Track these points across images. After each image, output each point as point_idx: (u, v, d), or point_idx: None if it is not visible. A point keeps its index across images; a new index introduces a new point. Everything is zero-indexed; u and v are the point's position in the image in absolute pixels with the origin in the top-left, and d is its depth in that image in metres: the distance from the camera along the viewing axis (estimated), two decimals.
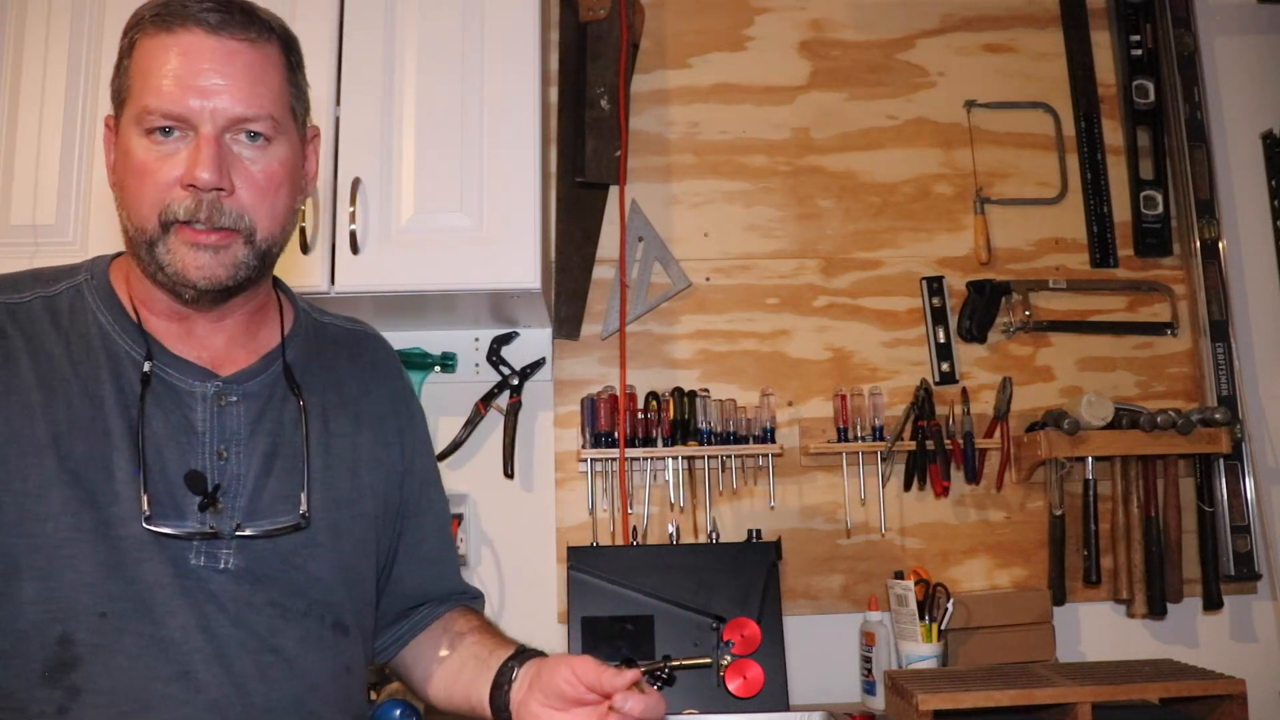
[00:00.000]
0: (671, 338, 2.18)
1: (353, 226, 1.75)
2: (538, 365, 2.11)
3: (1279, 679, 2.08)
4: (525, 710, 1.04)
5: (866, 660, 1.96)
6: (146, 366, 1.01)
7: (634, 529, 2.06)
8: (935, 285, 2.20)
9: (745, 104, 2.25)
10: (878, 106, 2.27)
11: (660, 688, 1.85)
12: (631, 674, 0.98)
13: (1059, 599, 2.07)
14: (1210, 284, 2.21)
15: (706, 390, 2.12)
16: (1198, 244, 2.22)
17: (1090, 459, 2.08)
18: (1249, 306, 2.27)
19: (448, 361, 2.09)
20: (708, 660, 1.87)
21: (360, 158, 1.79)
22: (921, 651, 1.93)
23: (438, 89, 1.82)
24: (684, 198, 2.22)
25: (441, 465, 2.03)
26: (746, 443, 2.07)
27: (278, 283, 1.16)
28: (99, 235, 1.74)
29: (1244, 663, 2.09)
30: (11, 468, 0.95)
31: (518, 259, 1.78)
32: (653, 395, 2.09)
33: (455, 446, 2.08)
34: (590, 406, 2.08)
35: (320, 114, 1.77)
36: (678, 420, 2.07)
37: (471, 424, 2.09)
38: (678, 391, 2.09)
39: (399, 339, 2.05)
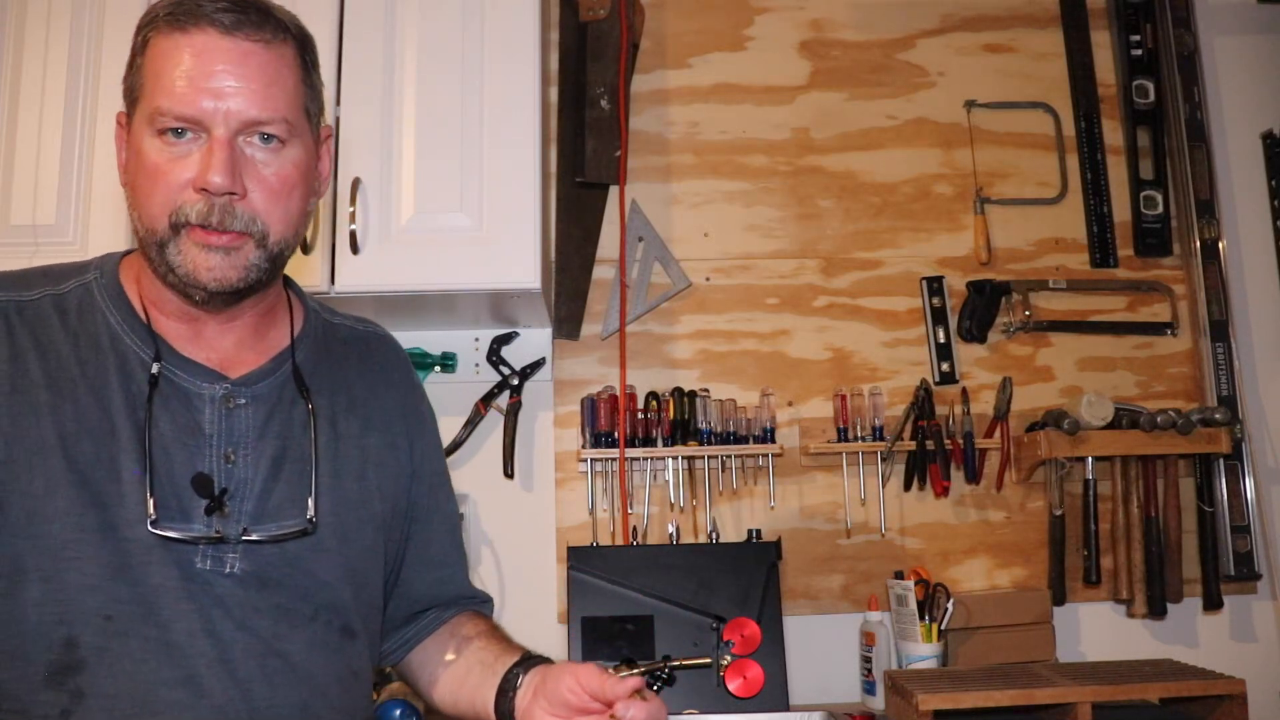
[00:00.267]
0: (671, 338, 2.18)
1: (353, 226, 1.75)
2: (538, 365, 2.11)
3: (1279, 679, 2.08)
4: (529, 718, 1.05)
5: (866, 660, 1.96)
6: (155, 368, 1.00)
7: (634, 529, 2.06)
8: (935, 285, 2.20)
9: (745, 104, 2.25)
10: (878, 106, 2.27)
11: (660, 688, 1.85)
12: (634, 681, 0.98)
13: (1059, 599, 2.07)
14: (1210, 284, 2.21)
15: (706, 390, 2.12)
16: (1198, 244, 2.22)
17: (1090, 459, 2.08)
18: (1249, 306, 2.27)
19: (448, 361, 2.09)
20: (708, 660, 1.87)
21: (360, 158, 1.79)
22: (921, 651, 1.93)
23: (438, 89, 1.82)
24: (684, 198, 2.22)
25: None
26: (746, 443, 2.07)
27: (289, 282, 1.15)
28: (99, 235, 1.74)
29: (1244, 663, 2.09)
30: (19, 468, 0.94)
31: (518, 259, 1.78)
32: (653, 395, 2.09)
33: (455, 446, 2.08)
34: (590, 406, 2.08)
35: None
36: (678, 420, 2.07)
37: (471, 424, 2.09)
38: (678, 391, 2.09)
39: (399, 339, 2.04)
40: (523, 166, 1.80)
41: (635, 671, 1.83)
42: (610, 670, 1.03)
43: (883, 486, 2.11)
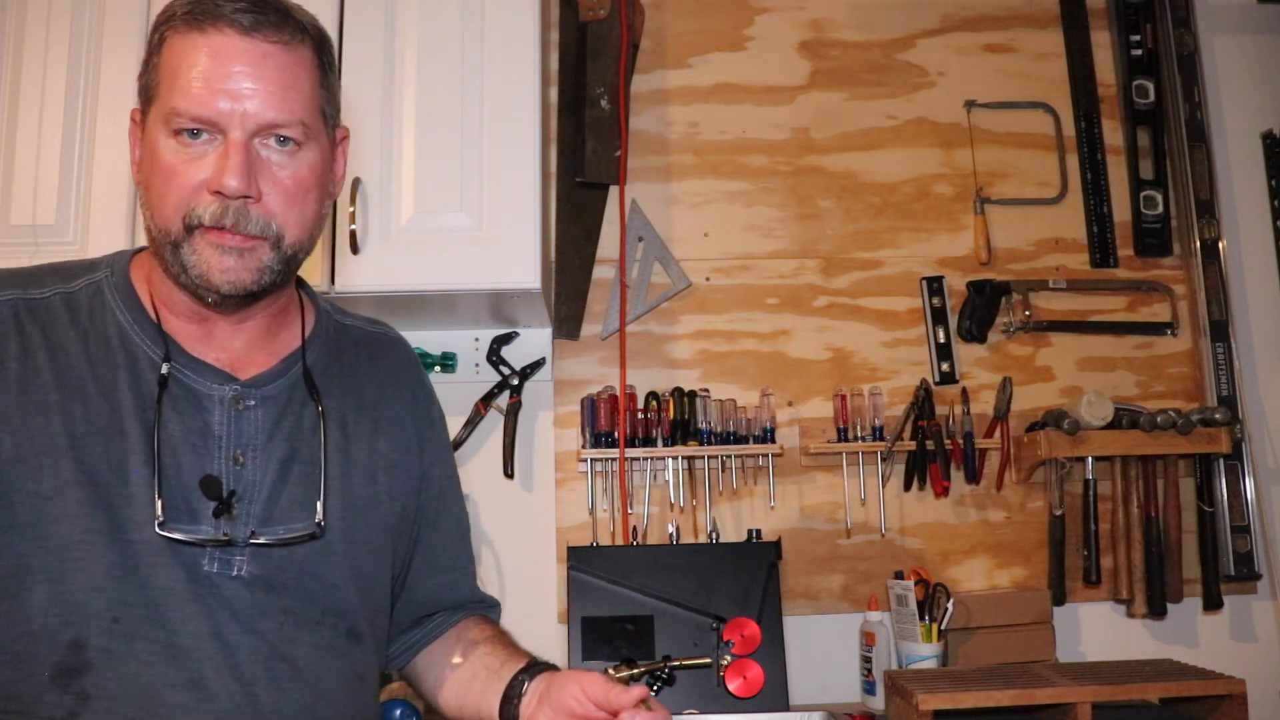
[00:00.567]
0: (671, 338, 2.18)
1: (353, 226, 1.75)
2: (538, 365, 2.11)
3: (1279, 679, 2.08)
4: None
5: (866, 660, 1.96)
6: (164, 369, 0.99)
7: (634, 529, 2.06)
8: (935, 285, 2.20)
9: (745, 104, 2.25)
10: (878, 106, 2.27)
11: (660, 688, 1.85)
12: (639, 691, 0.98)
13: (1059, 599, 2.07)
14: (1210, 284, 2.21)
15: (706, 390, 2.12)
16: (1198, 244, 2.22)
17: (1090, 459, 2.08)
18: (1249, 306, 2.27)
19: (448, 361, 2.09)
20: (708, 660, 1.87)
21: (360, 158, 1.79)
22: (921, 651, 1.93)
23: (438, 89, 1.82)
24: (684, 198, 2.22)
25: None
26: (746, 443, 2.07)
27: (300, 283, 1.15)
28: (99, 235, 1.74)
29: (1244, 663, 2.09)
30: (28, 468, 0.94)
31: (518, 259, 1.78)
32: (653, 395, 2.09)
33: (455, 446, 2.07)
34: (590, 406, 2.08)
35: None
36: (678, 420, 2.07)
37: (471, 424, 2.09)
38: (678, 391, 2.09)
39: None
40: (523, 166, 1.80)
41: (635, 671, 1.83)
42: (614, 678, 1.03)
43: (883, 486, 2.11)
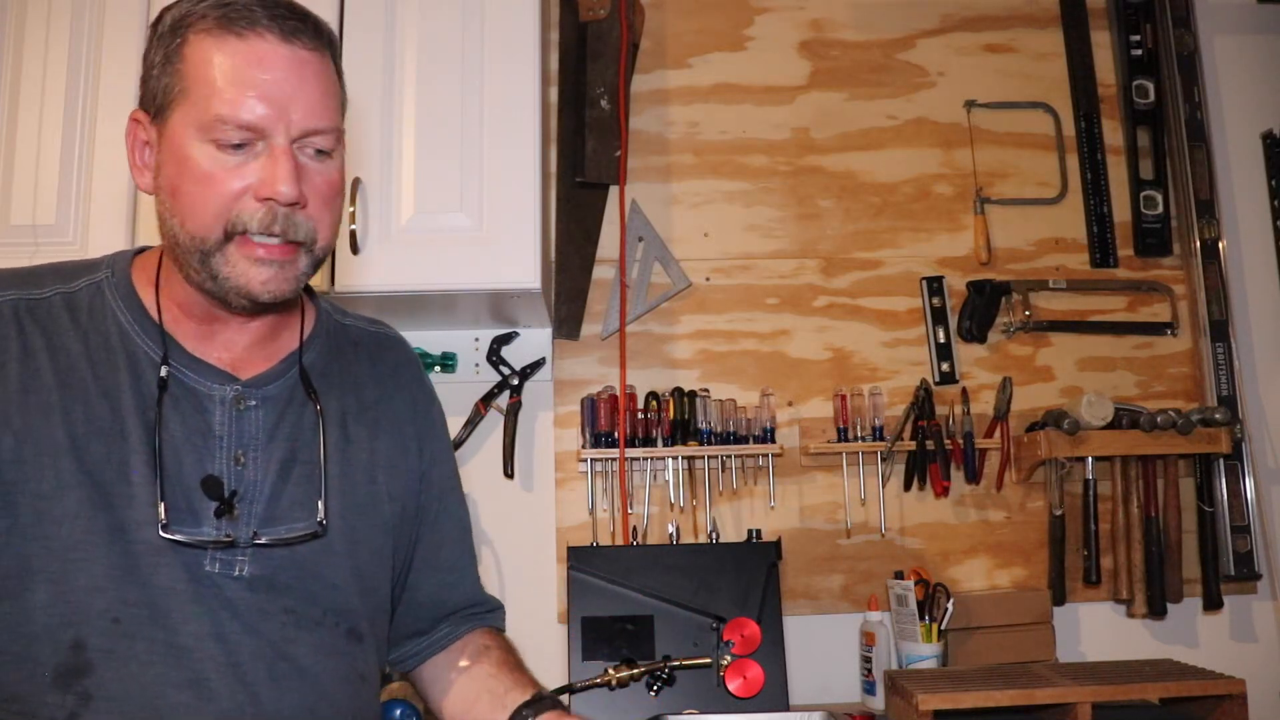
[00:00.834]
0: (671, 338, 2.18)
1: (353, 226, 1.75)
2: (538, 365, 2.11)
3: (1279, 679, 2.08)
4: None
5: (866, 660, 1.96)
6: (164, 370, 0.99)
7: (634, 529, 2.06)
8: (935, 285, 2.20)
9: (745, 104, 2.25)
10: (878, 106, 2.27)
11: (660, 688, 1.85)
12: None
13: (1059, 599, 2.07)
14: (1210, 284, 2.21)
15: (706, 390, 2.12)
16: (1198, 244, 2.22)
17: (1090, 459, 2.08)
18: (1249, 306, 2.27)
19: (448, 361, 2.09)
20: (708, 660, 1.87)
21: (360, 158, 1.79)
22: (921, 651, 1.93)
23: (438, 89, 1.82)
24: (684, 198, 2.22)
25: None
26: (746, 443, 2.07)
27: None
28: (99, 235, 1.73)
29: (1244, 663, 2.09)
30: (29, 468, 0.94)
31: (518, 259, 1.78)
32: (653, 395, 2.09)
33: (455, 446, 2.07)
34: (590, 406, 2.08)
35: None
36: (678, 420, 2.07)
37: (471, 424, 2.09)
38: (678, 391, 2.09)
39: None
40: (523, 166, 1.80)
41: (635, 671, 1.83)
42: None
43: (883, 486, 2.11)
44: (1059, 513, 2.09)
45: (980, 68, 2.30)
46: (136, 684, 0.93)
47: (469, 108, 1.81)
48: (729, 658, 1.87)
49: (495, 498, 2.09)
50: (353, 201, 1.76)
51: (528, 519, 2.10)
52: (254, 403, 1.03)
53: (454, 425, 2.08)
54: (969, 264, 2.22)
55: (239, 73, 0.92)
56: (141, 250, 1.07)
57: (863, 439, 2.10)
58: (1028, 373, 2.19)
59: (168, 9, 0.97)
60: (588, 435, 2.07)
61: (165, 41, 0.95)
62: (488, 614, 1.27)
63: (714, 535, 2.04)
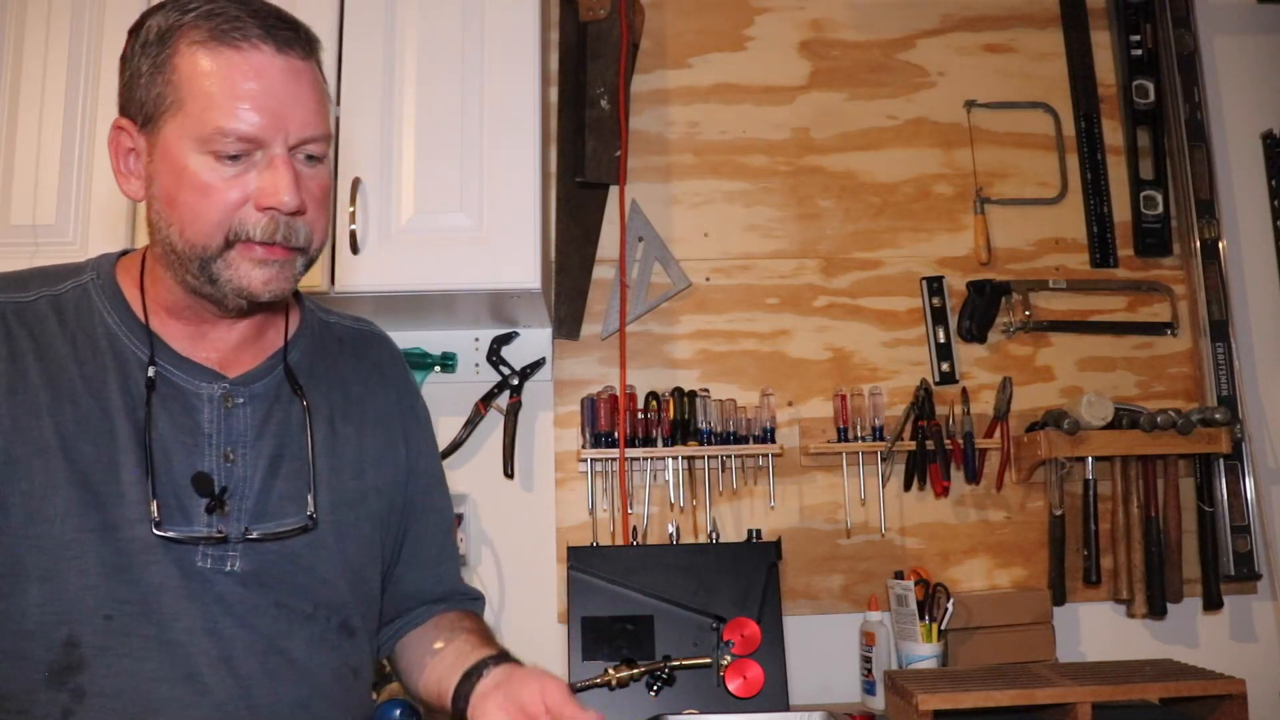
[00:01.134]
0: (671, 338, 2.18)
1: (353, 226, 1.75)
2: (538, 365, 2.11)
3: (1279, 679, 2.08)
4: (481, 707, 1.02)
5: (866, 660, 1.96)
6: (151, 371, 1.00)
7: (634, 529, 2.06)
8: (935, 285, 2.20)
9: (745, 104, 2.25)
10: (878, 106, 2.27)
11: (660, 688, 1.85)
12: (594, 716, 0.96)
13: (1059, 599, 2.07)
14: (1210, 284, 2.21)
15: (706, 390, 2.12)
16: (1198, 244, 2.22)
17: (1090, 459, 2.08)
18: (1249, 306, 2.27)
19: (448, 361, 2.09)
20: (708, 660, 1.87)
21: (360, 158, 1.79)
22: (921, 651, 1.93)
23: (438, 89, 1.82)
24: (684, 198, 2.22)
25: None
26: (746, 443, 2.07)
27: None
28: (99, 235, 1.74)
29: (1244, 663, 2.09)
30: (19, 468, 0.95)
31: (518, 259, 1.78)
32: (653, 395, 2.09)
33: (455, 446, 2.08)
34: (590, 406, 2.08)
35: None
36: (678, 420, 2.07)
37: (471, 424, 2.09)
38: (678, 391, 2.09)
39: (399, 339, 2.02)
40: (523, 166, 1.80)
41: (635, 671, 1.83)
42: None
43: (883, 486, 2.11)
44: (1059, 513, 2.09)
45: (980, 68, 2.30)
46: (130, 680, 0.94)
47: (469, 108, 1.81)
48: (729, 658, 1.87)
49: (495, 498, 2.09)
50: (353, 201, 1.76)
51: (528, 519, 2.10)
52: (242, 400, 1.04)
53: (454, 425, 2.09)
54: (969, 264, 2.22)
55: (236, 85, 0.93)
56: (124, 253, 1.08)
57: (863, 439, 2.10)
58: (1028, 373, 2.19)
59: (150, 15, 0.97)
60: (588, 435, 2.07)
61: (152, 50, 0.95)
62: (470, 601, 1.28)
63: (714, 535, 2.04)
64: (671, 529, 2.05)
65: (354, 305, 1.80)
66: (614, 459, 2.05)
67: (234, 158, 0.94)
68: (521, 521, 2.09)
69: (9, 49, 1.80)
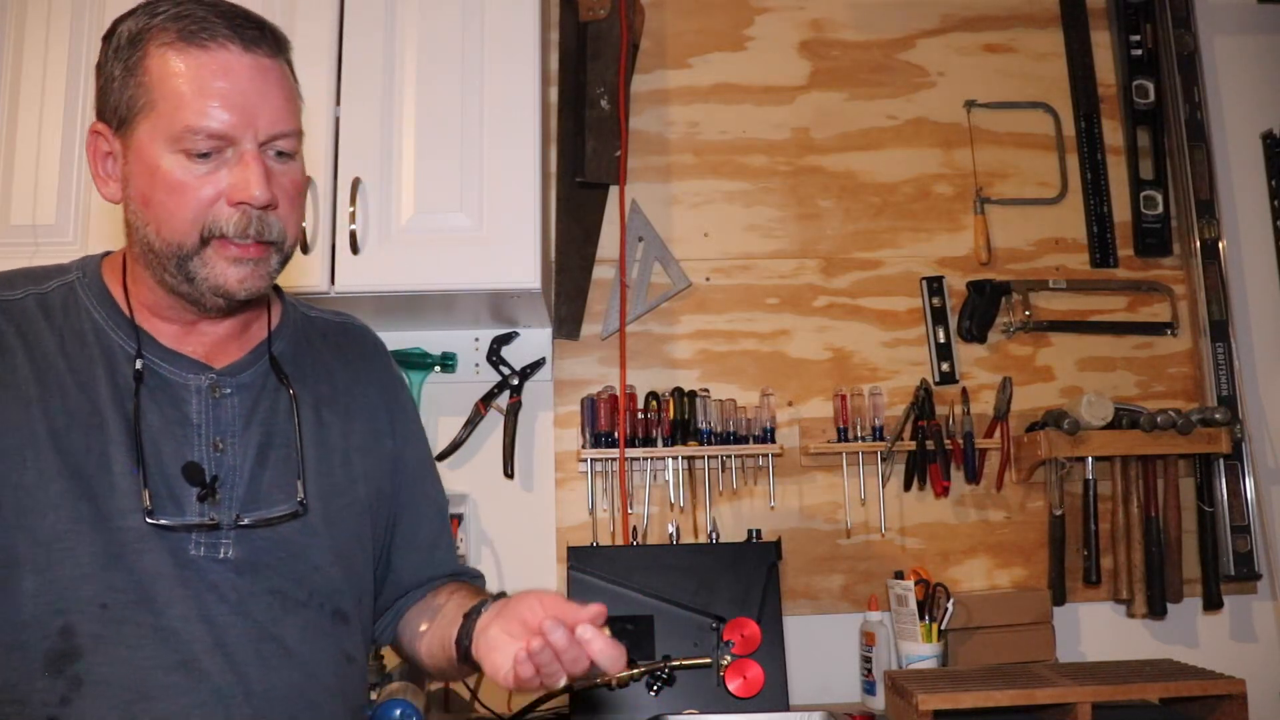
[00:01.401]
0: (671, 338, 2.18)
1: (353, 226, 1.75)
2: (538, 365, 2.11)
3: (1279, 679, 2.08)
4: (484, 637, 1.02)
5: (866, 660, 1.96)
6: (138, 364, 1.02)
7: (634, 529, 2.06)
8: (935, 285, 2.20)
9: (745, 104, 2.25)
10: (878, 106, 2.27)
11: (660, 688, 1.85)
12: (597, 607, 0.94)
13: (1059, 599, 2.07)
14: (1210, 284, 2.21)
15: (706, 390, 2.12)
16: (1198, 244, 2.22)
17: (1090, 459, 2.08)
18: (1249, 306, 2.27)
19: (448, 361, 2.09)
20: (708, 660, 1.87)
21: (360, 158, 1.79)
22: (921, 651, 1.93)
23: (438, 89, 1.82)
24: (684, 198, 2.22)
25: (441, 465, 2.04)
26: (746, 443, 2.07)
27: None
28: (99, 235, 1.74)
29: (1244, 663, 2.09)
30: (10, 461, 0.96)
31: (518, 259, 1.78)
32: (653, 395, 2.09)
33: (455, 446, 2.08)
34: (590, 406, 2.08)
35: (320, 114, 1.77)
36: (678, 420, 2.07)
37: (471, 424, 2.09)
38: (678, 391, 2.09)
39: (399, 339, 2.06)
40: (523, 166, 1.80)
41: (635, 671, 1.83)
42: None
43: (883, 486, 2.11)
44: (1059, 513, 2.09)
45: (980, 68, 2.30)
46: (126, 667, 0.95)
47: (469, 108, 1.81)
48: (729, 658, 1.87)
49: (495, 498, 2.09)
50: (353, 201, 1.76)
51: (528, 519, 2.09)
52: (229, 391, 1.06)
53: (454, 425, 2.09)
54: (969, 264, 2.22)
55: (205, 84, 0.95)
56: (108, 254, 1.10)
57: (863, 439, 2.10)
58: (1028, 373, 2.19)
59: (121, 21, 1.00)
60: (588, 435, 2.07)
61: (124, 55, 0.99)
62: (472, 578, 1.29)
63: (714, 535, 2.05)
64: (671, 529, 2.05)
65: (354, 305, 1.80)
66: (614, 459, 2.05)
67: (205, 155, 0.96)
68: (521, 522, 2.09)
69: (9, 49, 1.80)
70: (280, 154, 1.01)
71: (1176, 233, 2.27)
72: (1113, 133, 2.30)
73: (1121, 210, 2.26)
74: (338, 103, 1.80)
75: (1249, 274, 2.28)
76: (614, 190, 2.19)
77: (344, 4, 1.83)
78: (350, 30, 1.82)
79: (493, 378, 2.10)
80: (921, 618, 1.94)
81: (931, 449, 2.08)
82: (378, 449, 1.18)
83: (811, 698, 2.02)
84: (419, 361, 2.07)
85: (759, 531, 2.04)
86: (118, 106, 0.99)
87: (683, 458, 2.07)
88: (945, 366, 2.17)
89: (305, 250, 1.74)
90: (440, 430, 2.08)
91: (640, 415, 2.07)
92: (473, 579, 1.29)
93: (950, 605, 1.94)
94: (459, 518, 2.03)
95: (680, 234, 2.21)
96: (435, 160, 1.80)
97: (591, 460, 2.06)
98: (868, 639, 1.97)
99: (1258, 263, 2.29)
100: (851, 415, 2.10)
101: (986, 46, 2.31)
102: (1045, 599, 2.06)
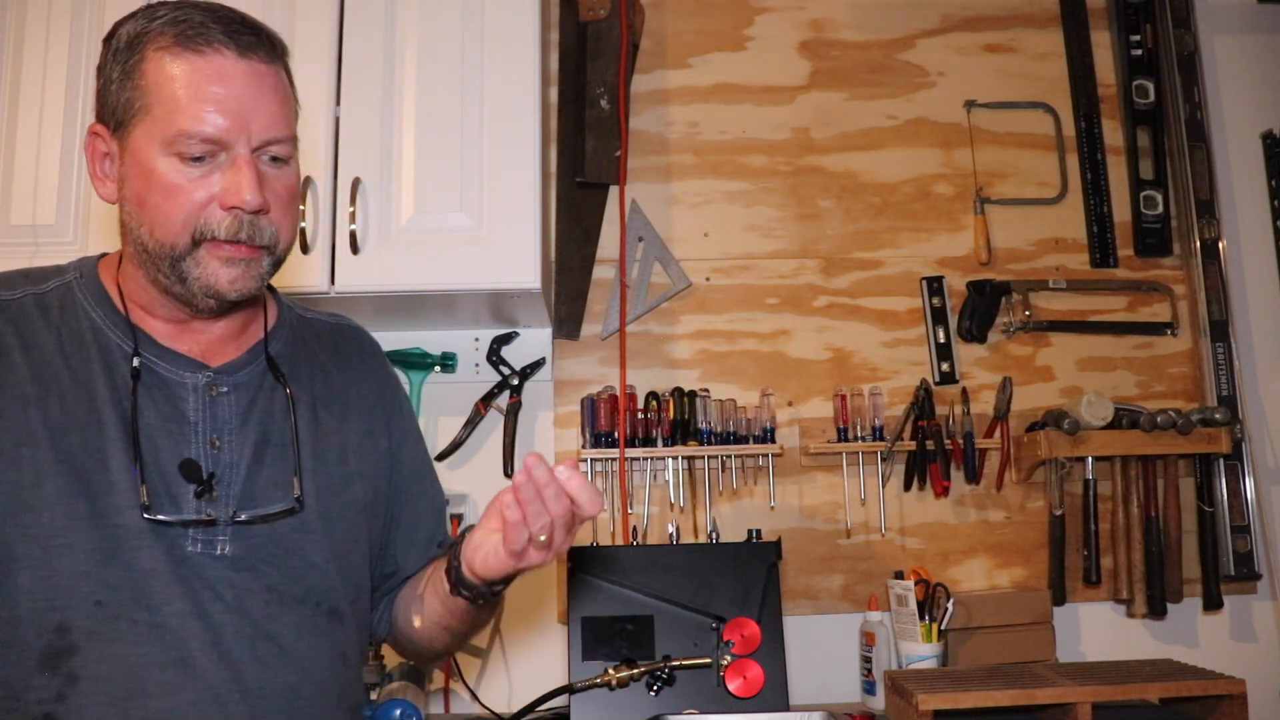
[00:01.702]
0: (671, 338, 2.18)
1: (353, 226, 1.75)
2: (538, 365, 2.11)
3: (1279, 679, 2.08)
4: (469, 545, 1.05)
5: (866, 660, 1.96)
6: (135, 362, 1.03)
7: (634, 529, 2.06)
8: (935, 285, 2.20)
9: (745, 104, 2.25)
10: (878, 106, 2.27)
11: (660, 688, 1.85)
12: (569, 462, 0.96)
13: (1059, 599, 2.07)
14: (1210, 284, 2.21)
15: (706, 390, 2.12)
16: (1198, 244, 2.22)
17: (1090, 459, 2.08)
18: (1249, 306, 2.27)
19: (448, 361, 2.09)
20: (708, 660, 1.87)
21: (360, 158, 1.79)
22: (921, 651, 1.93)
23: (438, 89, 1.82)
24: (684, 198, 2.22)
25: (441, 465, 2.04)
26: (746, 443, 2.07)
27: None
28: (99, 235, 1.74)
29: (1244, 663, 2.09)
30: (7, 458, 0.97)
31: (518, 259, 1.78)
32: (653, 395, 2.09)
33: (455, 446, 2.08)
34: (590, 406, 2.08)
35: (320, 114, 1.77)
36: (678, 420, 2.07)
37: (471, 424, 2.09)
38: (678, 391, 2.09)
39: (399, 339, 2.06)
40: (523, 166, 1.80)
41: (635, 671, 1.83)
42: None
43: (883, 486, 2.11)
44: (1059, 513, 2.09)
45: (980, 68, 2.30)
46: (122, 664, 0.96)
47: (469, 108, 1.81)
48: (729, 658, 1.87)
49: None
50: (353, 201, 1.76)
51: None
52: (225, 389, 1.07)
53: (454, 425, 2.09)
54: (969, 264, 2.22)
55: (200, 88, 0.97)
56: (105, 255, 1.12)
57: (863, 439, 2.10)
58: (1028, 373, 2.19)
59: (121, 24, 1.02)
60: (588, 435, 2.07)
61: (122, 57, 1.00)
62: None
63: (714, 535, 2.04)
64: (671, 529, 2.05)
65: (354, 305, 1.80)
66: (614, 459, 2.05)
67: (199, 159, 0.97)
68: None
69: (9, 49, 1.80)
70: (274, 159, 1.02)
71: (1176, 233, 2.27)
72: (1113, 133, 2.30)
73: (1121, 210, 2.26)
74: (338, 103, 1.80)
75: (1249, 274, 2.28)
76: (614, 190, 2.19)
77: (344, 4, 1.82)
78: (350, 30, 1.82)
79: (493, 378, 2.10)
80: (921, 618, 1.94)
81: (931, 449, 2.08)
82: (374, 448, 1.19)
83: (811, 698, 2.02)
84: (419, 361, 2.07)
85: (759, 531, 2.04)
86: (115, 108, 1.01)
87: (683, 458, 2.07)
88: (945, 366, 2.17)
89: (305, 250, 1.74)
90: (440, 430, 2.08)
91: (640, 415, 2.07)
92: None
93: (950, 605, 1.94)
94: (459, 518, 2.03)
95: (680, 234, 2.21)
96: (435, 160, 1.80)
97: (591, 460, 2.06)
98: (868, 639, 1.97)
99: (1258, 263, 2.29)
100: (851, 415, 2.10)
101: (986, 46, 2.31)
102: (1045, 599, 2.06)
